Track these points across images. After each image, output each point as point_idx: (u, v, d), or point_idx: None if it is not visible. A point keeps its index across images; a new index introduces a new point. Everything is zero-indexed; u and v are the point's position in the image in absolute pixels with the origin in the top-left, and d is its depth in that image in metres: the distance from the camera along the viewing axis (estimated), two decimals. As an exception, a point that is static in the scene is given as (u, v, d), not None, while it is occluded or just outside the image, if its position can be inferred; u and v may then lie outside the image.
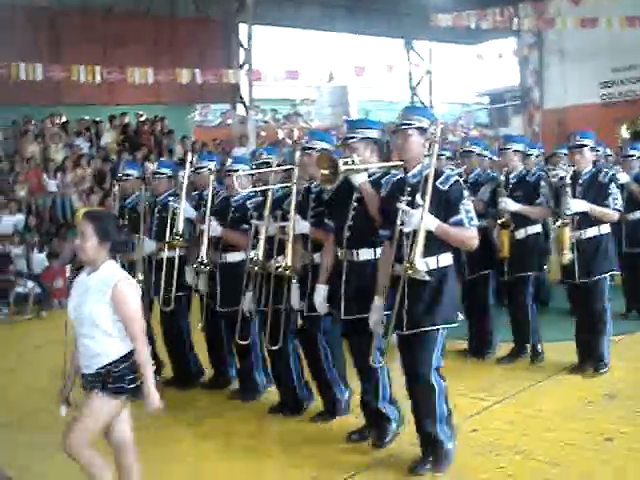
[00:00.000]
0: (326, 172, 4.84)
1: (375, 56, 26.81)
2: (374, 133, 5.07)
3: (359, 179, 4.90)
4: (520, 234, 6.90)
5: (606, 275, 6.51)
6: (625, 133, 13.98)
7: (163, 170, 7.32)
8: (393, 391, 5.28)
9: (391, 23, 24.26)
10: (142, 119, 19.31)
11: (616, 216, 6.48)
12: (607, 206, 6.35)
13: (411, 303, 4.53)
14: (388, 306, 4.68)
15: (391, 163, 5.11)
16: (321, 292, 5.27)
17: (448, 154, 8.83)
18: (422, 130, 4.58)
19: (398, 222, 4.47)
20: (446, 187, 4.49)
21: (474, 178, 7.42)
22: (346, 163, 4.79)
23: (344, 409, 5.85)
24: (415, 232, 4.35)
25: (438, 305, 4.54)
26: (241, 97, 19.93)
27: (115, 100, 18.50)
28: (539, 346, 7.06)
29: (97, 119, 18.28)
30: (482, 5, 22.17)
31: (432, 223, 4.37)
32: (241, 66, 19.50)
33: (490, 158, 8.19)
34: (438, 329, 4.57)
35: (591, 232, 6.45)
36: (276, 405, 6.18)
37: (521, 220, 6.86)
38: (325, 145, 5.56)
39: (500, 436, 5.36)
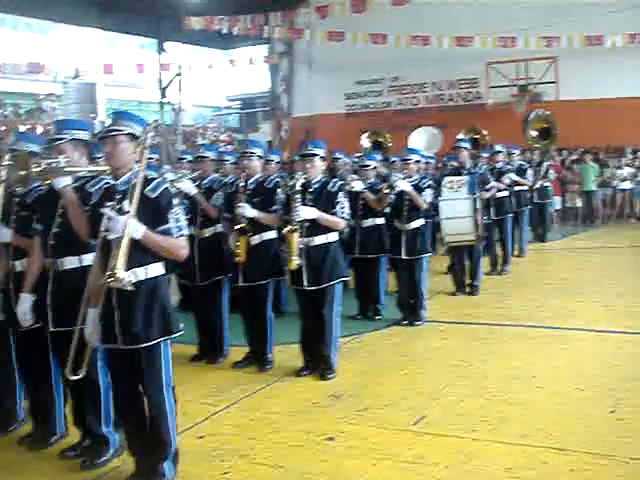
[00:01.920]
0: (21, 173, 4.55)
1: (125, 54, 26.26)
2: (83, 135, 4.82)
3: (61, 183, 4.58)
4: (255, 240, 6.92)
5: (334, 282, 6.67)
6: (366, 142, 14.53)
7: None
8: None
9: (144, 23, 23.89)
10: None
11: (343, 224, 6.69)
12: (335, 214, 6.54)
13: (123, 316, 4.31)
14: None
15: (99, 168, 4.83)
16: (25, 302, 4.92)
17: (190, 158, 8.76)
18: (132, 136, 4.39)
19: (102, 229, 4.23)
20: (155, 195, 4.32)
21: (208, 184, 7.31)
22: (49, 165, 4.49)
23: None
24: (120, 240, 4.13)
25: (154, 318, 4.35)
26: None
27: None
28: (270, 356, 7.11)
29: None
30: (234, 11, 22.39)
31: (138, 231, 4.16)
32: (-22, 55, 18.31)
33: (234, 162, 8.21)
34: (159, 344, 4.39)
35: (319, 240, 6.59)
36: None
37: (257, 226, 6.88)
38: (33, 147, 5.22)
39: (227, 441, 5.32)
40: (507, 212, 12.15)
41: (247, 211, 6.73)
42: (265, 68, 27.36)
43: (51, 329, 4.84)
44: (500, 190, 11.88)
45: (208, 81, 30.15)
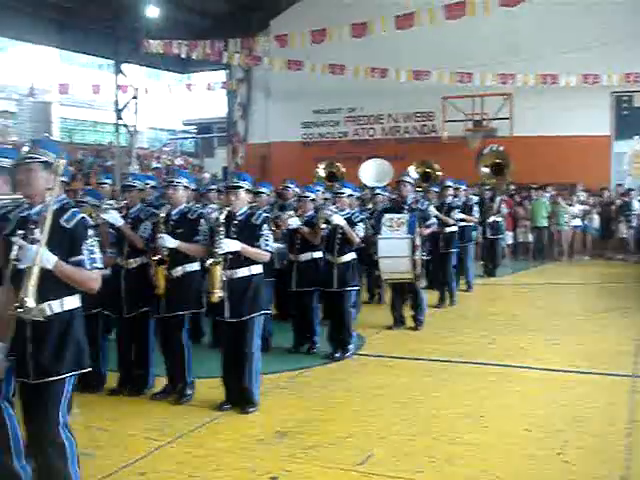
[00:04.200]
0: None
1: (82, 74, 26.04)
2: (6, 162, 4.72)
3: None
4: (177, 272, 6.84)
5: (256, 314, 6.60)
6: (322, 172, 14.58)
7: None
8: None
9: (103, 43, 23.74)
10: None
11: (267, 257, 6.62)
12: (259, 247, 6.50)
13: (36, 348, 4.17)
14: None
15: (15, 196, 4.67)
16: None
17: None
18: (47, 164, 4.27)
19: (12, 257, 4.09)
20: (70, 225, 4.22)
21: (135, 213, 7.14)
22: None
23: None
24: (31, 269, 3.98)
25: (66, 352, 4.22)
26: None
27: None
28: (190, 388, 7.00)
29: None
30: (194, 36, 22.36)
31: (49, 260, 4.05)
32: None
33: (154, 187, 8.20)
34: (65, 378, 4.24)
35: (242, 272, 6.54)
36: None
37: (179, 258, 6.80)
38: None
39: (168, 478, 5.20)
40: (454, 247, 12.25)
41: (167, 242, 6.66)
42: (223, 94, 27.32)
43: None
44: (449, 225, 11.98)
45: (165, 104, 30.01)
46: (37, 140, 4.62)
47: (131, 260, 7.04)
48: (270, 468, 5.31)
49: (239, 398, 6.66)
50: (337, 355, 8.62)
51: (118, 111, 24.55)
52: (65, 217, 4.23)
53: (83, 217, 4.33)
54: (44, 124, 27.28)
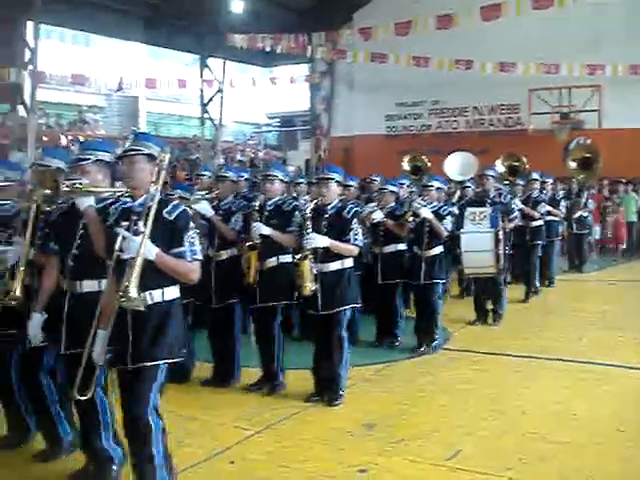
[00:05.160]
0: (48, 192, 4.55)
1: (168, 69, 26.48)
2: (107, 156, 4.80)
3: (84, 203, 4.59)
4: (271, 262, 6.92)
5: (347, 307, 6.63)
6: (407, 166, 14.48)
7: None
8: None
9: (188, 38, 24.08)
10: None
11: (356, 251, 6.61)
12: (348, 241, 6.48)
13: (136, 336, 4.29)
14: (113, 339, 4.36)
15: (119, 189, 4.74)
16: (36, 320, 4.88)
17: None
18: (151, 157, 4.39)
19: (116, 248, 4.22)
20: (172, 217, 4.32)
21: (227, 205, 7.24)
22: (74, 185, 4.48)
23: (66, 449, 5.38)
24: (134, 260, 4.09)
25: (162, 340, 4.31)
26: (23, 98, 18.86)
27: None
28: (281, 377, 7.08)
29: None
30: (277, 29, 22.50)
31: (151, 252, 4.16)
32: (25, 66, 18.48)
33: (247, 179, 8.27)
34: (159, 365, 4.34)
35: (334, 265, 6.56)
36: None
37: (273, 248, 6.87)
38: (60, 164, 5.21)
39: (258, 467, 5.27)
40: (539, 241, 12.07)
41: (261, 229, 6.73)
42: (305, 87, 27.41)
43: (62, 351, 4.77)
44: (534, 219, 11.80)
45: (249, 98, 30.27)
46: (140, 133, 4.75)
47: (221, 252, 7.14)
48: (358, 461, 5.33)
49: (327, 389, 6.70)
50: (422, 349, 8.60)
51: (203, 105, 24.89)
52: (167, 209, 4.32)
53: (185, 209, 4.44)
54: (131, 118, 27.92)
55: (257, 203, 6.94)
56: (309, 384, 6.87)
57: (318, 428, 6.07)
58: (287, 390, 7.05)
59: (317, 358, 6.79)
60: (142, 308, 4.12)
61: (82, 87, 23.12)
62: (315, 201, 6.62)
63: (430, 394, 7.05)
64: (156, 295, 4.31)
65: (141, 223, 4.19)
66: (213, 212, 7.08)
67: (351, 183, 9.01)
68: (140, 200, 4.38)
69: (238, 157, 24.48)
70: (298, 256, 6.43)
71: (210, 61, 24.91)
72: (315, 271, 6.44)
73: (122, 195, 4.67)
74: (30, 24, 18.73)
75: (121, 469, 4.94)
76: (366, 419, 6.24)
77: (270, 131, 34.16)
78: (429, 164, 14.14)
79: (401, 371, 7.93)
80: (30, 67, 18.52)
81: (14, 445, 5.57)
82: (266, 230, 6.74)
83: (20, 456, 5.44)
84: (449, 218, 8.61)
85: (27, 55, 18.63)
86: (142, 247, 4.08)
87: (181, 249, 4.29)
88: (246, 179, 8.69)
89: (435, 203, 8.70)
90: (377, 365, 8.03)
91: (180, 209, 4.39)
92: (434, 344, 8.67)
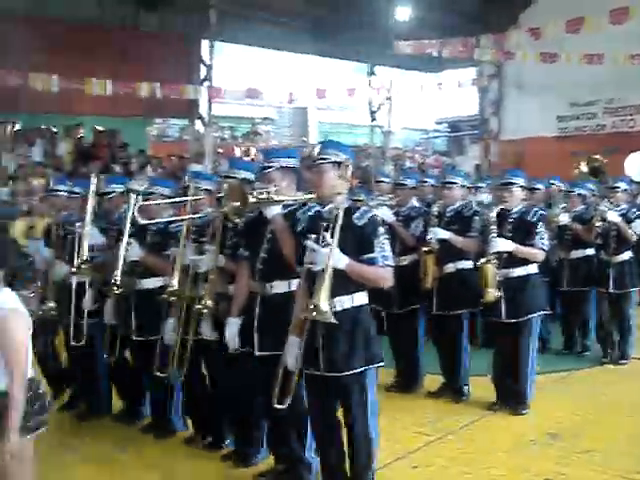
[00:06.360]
0: (236, 204, 4.66)
1: (336, 79, 26.88)
2: (291, 162, 4.90)
3: (272, 211, 4.70)
4: (449, 268, 6.88)
5: (534, 315, 6.49)
6: (584, 168, 14.04)
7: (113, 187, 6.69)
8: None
9: (354, 47, 24.34)
10: (99, 130, 18.92)
11: (542, 256, 6.44)
12: (533, 245, 6.34)
13: (327, 343, 4.30)
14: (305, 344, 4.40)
15: (307, 196, 4.74)
16: (232, 326, 5.04)
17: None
18: (337, 164, 4.42)
19: (306, 260, 4.29)
20: (362, 222, 4.31)
21: (407, 211, 7.27)
22: (260, 194, 4.55)
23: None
24: (323, 272, 4.11)
25: (357, 346, 4.31)
26: (199, 113, 19.76)
27: (72, 110, 18.15)
28: (465, 388, 7.02)
29: (53, 129, 17.97)
30: (444, 34, 22.39)
31: (342, 262, 4.18)
32: (201, 82, 19.37)
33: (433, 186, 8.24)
34: (364, 372, 4.35)
35: (519, 271, 6.44)
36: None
37: (452, 253, 6.83)
38: (246, 174, 5.41)
39: (441, 473, 5.30)
40: None
41: (439, 234, 6.71)
42: (473, 91, 27.10)
43: (257, 353, 4.90)
44: None
45: (416, 104, 30.25)
46: (327, 141, 4.84)
47: (403, 257, 7.15)
48: (544, 469, 5.26)
49: (511, 398, 6.62)
50: (606, 359, 8.30)
51: (372, 113, 25.09)
52: (356, 215, 4.33)
53: (374, 214, 4.45)
54: (302, 128, 28.54)
55: (435, 209, 6.95)
56: (489, 391, 6.82)
57: (500, 436, 6.04)
58: (468, 397, 7.02)
59: (500, 366, 6.70)
60: (333, 321, 4.11)
61: (254, 100, 23.87)
62: (500, 206, 6.54)
63: (615, 405, 6.82)
64: (346, 301, 4.31)
65: (327, 234, 4.23)
66: (394, 218, 7.13)
67: (539, 186, 8.80)
68: (328, 207, 4.42)
69: (407, 164, 24.49)
70: (481, 260, 6.37)
71: (377, 69, 25.08)
72: (498, 277, 6.36)
73: (308, 201, 4.75)
74: (205, 42, 19.61)
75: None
76: (550, 427, 6.14)
77: (438, 137, 33.99)
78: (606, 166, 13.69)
79: (586, 380, 7.75)
80: (206, 83, 19.36)
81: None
82: (444, 234, 6.73)
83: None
84: (638, 221, 8.18)
85: (203, 72, 19.52)
86: (331, 259, 4.11)
87: (372, 255, 4.27)
88: (432, 185, 8.64)
89: (623, 205, 8.34)
90: (561, 373, 7.87)
91: (370, 214, 4.38)
92: (624, 355, 8.30)
